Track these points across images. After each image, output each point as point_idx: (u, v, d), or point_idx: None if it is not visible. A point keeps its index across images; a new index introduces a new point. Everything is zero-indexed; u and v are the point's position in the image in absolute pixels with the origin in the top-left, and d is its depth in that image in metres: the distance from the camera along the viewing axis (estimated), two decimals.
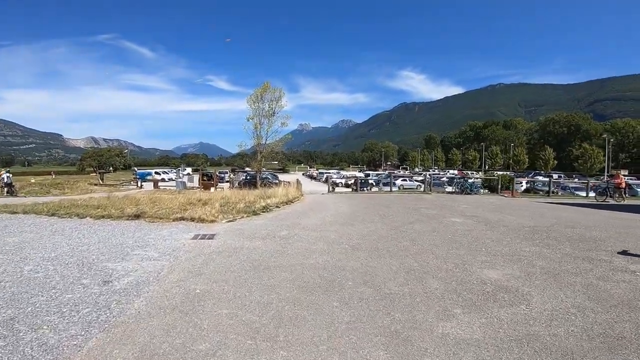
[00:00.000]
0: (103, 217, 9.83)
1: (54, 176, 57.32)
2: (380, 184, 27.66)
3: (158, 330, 3.24)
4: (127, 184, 38.87)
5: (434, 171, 70.94)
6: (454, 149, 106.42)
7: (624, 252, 6.25)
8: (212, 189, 27.29)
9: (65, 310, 3.67)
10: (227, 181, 39.83)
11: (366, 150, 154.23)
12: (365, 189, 23.16)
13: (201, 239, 7.43)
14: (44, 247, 6.39)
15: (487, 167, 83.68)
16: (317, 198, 17.66)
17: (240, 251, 6.15)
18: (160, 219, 9.74)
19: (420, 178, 41.06)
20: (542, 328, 3.29)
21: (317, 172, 70.14)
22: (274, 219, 9.77)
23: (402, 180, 34.43)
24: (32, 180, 39.23)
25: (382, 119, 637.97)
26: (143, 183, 36.34)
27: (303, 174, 76.72)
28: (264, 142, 29.15)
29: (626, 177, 29.69)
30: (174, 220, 9.40)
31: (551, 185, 22.01)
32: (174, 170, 52.28)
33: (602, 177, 47.07)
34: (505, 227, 8.80)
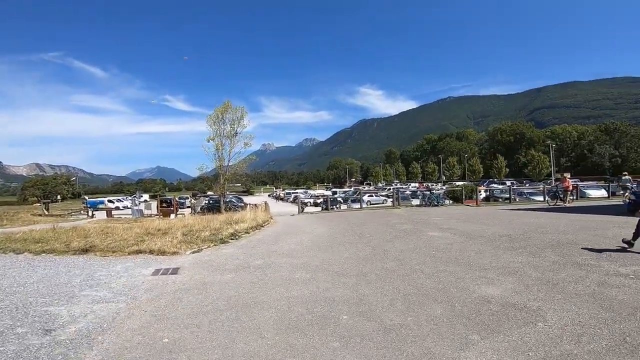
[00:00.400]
0: (45, 252, 8.64)
1: None
2: (349, 202, 27.50)
3: None
4: (76, 213, 35.34)
5: (396, 185, 72.87)
6: (414, 162, 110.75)
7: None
8: (172, 216, 25.54)
9: None
10: (189, 207, 37.76)
11: (331, 168, 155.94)
12: (334, 207, 22.81)
13: (163, 274, 6.51)
14: None
15: (444, 178, 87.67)
16: (288, 220, 16.96)
17: (211, 287, 5.35)
18: (114, 252, 8.63)
19: (384, 193, 41.85)
20: (573, 346, 3.01)
21: (284, 192, 69.20)
22: (244, 247, 8.96)
23: (368, 196, 34.63)
24: None
25: (344, 136, 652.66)
26: (95, 212, 33.33)
27: (269, 195, 75.35)
28: (226, 164, 27.94)
29: (571, 180, 32.10)
30: (129, 254, 8.35)
31: (512, 192, 23.11)
32: (129, 198, 48.84)
33: (549, 181, 50.95)
34: (483, 238, 8.74)
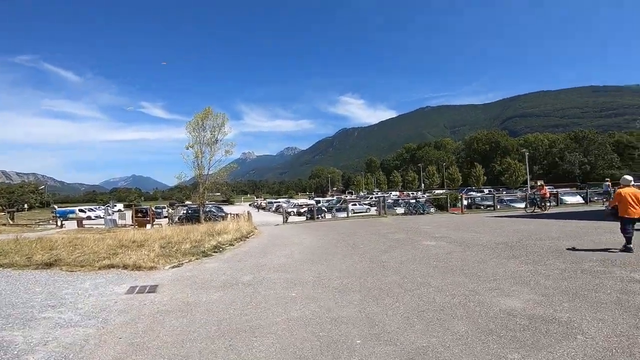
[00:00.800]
0: (2, 265, 7.76)
1: None
2: (334, 211, 27.05)
3: None
4: (44, 223, 32.97)
5: (377, 194, 73.27)
6: (395, 171, 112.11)
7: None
8: (149, 227, 24.21)
9: None
10: (166, 217, 36.11)
11: (313, 177, 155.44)
12: (320, 216, 22.29)
13: (139, 292, 5.79)
14: None
15: (424, 186, 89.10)
16: (274, 230, 16.28)
17: (197, 308, 4.71)
18: (82, 266, 7.79)
19: (367, 201, 41.75)
20: (628, 359, 2.71)
21: (265, 202, 68.01)
22: (230, 261, 8.28)
23: (352, 205, 34.34)
24: None
25: (325, 145, 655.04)
26: (64, 222, 31.27)
27: (250, 205, 73.85)
28: (206, 172, 26.90)
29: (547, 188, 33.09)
30: (100, 269, 7.54)
31: (495, 200, 23.42)
32: (102, 207, 46.39)
33: (525, 189, 52.58)
34: (480, 246, 8.48)
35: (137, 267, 7.59)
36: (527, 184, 56.82)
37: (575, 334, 3.29)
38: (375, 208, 29.81)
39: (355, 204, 36.32)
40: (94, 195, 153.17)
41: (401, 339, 3.41)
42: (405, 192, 73.46)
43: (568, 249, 7.54)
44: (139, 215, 28.33)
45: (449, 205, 23.41)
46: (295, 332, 3.74)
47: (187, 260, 8.40)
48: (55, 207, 49.33)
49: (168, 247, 10.25)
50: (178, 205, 50.23)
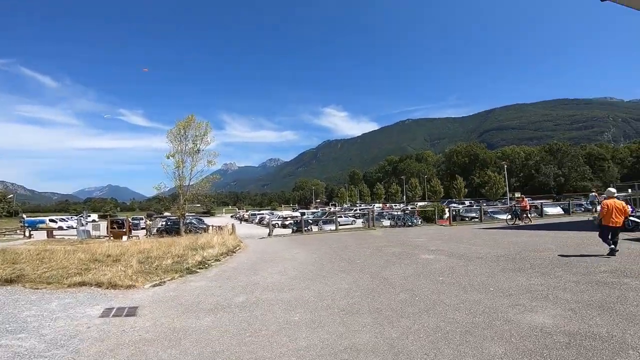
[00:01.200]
0: None
1: None
2: (320, 223, 26.51)
3: None
4: (10, 233, 30.68)
5: (360, 206, 73.28)
6: (378, 183, 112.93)
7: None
8: (125, 239, 22.87)
9: None
10: (143, 228, 34.47)
11: (297, 189, 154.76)
12: (306, 229, 21.68)
13: (116, 315, 5.11)
14: None
15: (406, 198, 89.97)
16: (260, 244, 15.57)
17: (186, 337, 4.07)
18: (49, 283, 6.99)
19: (351, 213, 41.49)
20: None
21: (248, 213, 66.64)
22: (218, 279, 7.57)
23: (337, 217, 33.90)
24: None
25: (309, 157, 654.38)
26: (33, 232, 29.26)
27: (232, 216, 72.21)
28: (187, 183, 25.87)
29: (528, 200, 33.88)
30: (70, 286, 6.78)
31: (482, 212, 23.59)
32: (75, 217, 43.90)
33: (504, 201, 53.84)
34: (481, 260, 8.20)
35: (113, 285, 6.84)
36: (506, 196, 58.26)
37: (625, 349, 3.06)
38: (362, 220, 29.53)
39: (340, 216, 35.89)
40: (67, 205, 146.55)
41: None
42: (388, 205, 73.80)
43: (569, 259, 7.43)
44: (115, 226, 26.84)
45: (436, 217, 23.37)
46: None
47: (169, 278, 7.66)
48: (24, 216, 46.38)
49: (147, 262, 9.45)
50: (156, 217, 48.37)
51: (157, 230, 30.64)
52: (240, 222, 51.98)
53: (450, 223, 21.73)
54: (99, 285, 6.86)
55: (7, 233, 30.75)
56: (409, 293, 5.49)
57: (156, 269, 8.66)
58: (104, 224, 28.23)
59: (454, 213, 31.66)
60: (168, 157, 25.54)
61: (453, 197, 76.15)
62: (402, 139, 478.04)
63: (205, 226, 31.17)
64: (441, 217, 24.23)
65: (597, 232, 8.12)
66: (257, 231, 31.58)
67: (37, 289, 6.66)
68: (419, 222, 23.33)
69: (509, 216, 19.89)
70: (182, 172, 25.73)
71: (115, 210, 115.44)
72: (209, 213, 76.63)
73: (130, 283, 7.07)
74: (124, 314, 5.19)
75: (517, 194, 56.34)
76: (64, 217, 54.42)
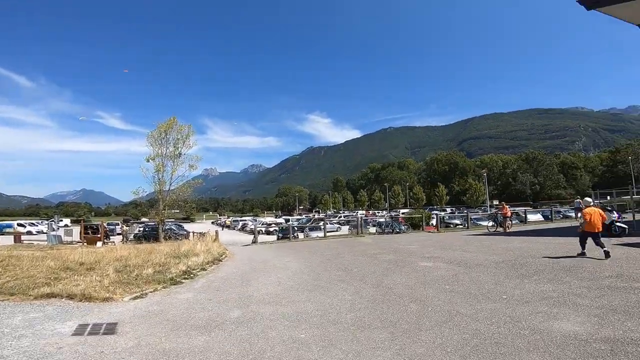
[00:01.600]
0: None
1: None
2: (307, 230, 25.96)
3: None
4: None
5: (343, 213, 73.20)
6: (361, 190, 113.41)
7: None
8: (99, 244, 21.56)
9: None
10: (119, 234, 32.87)
11: (280, 195, 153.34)
12: (293, 236, 21.11)
13: (92, 333, 4.48)
14: None
15: (389, 206, 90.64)
16: (247, 252, 14.88)
17: None
18: (13, 295, 6.23)
19: (336, 220, 41.19)
20: None
21: (230, 220, 65.11)
22: (207, 290, 6.93)
23: (323, 224, 33.50)
24: None
25: (292, 163, 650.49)
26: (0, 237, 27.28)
27: (213, 223, 70.42)
28: (167, 188, 24.80)
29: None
30: (37, 298, 6.04)
31: (468, 219, 23.78)
32: (46, 222, 41.40)
33: (483, 208, 54.98)
34: (482, 267, 7.96)
35: (87, 298, 6.13)
36: (486, 203, 59.56)
37: None
38: (348, 227, 29.21)
39: (326, 223, 35.50)
40: (38, 209, 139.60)
41: None
42: (371, 212, 73.97)
43: (571, 265, 7.36)
44: (89, 231, 25.32)
45: (424, 224, 23.38)
46: None
47: (151, 290, 6.98)
48: None
49: (125, 271, 8.68)
50: (133, 222, 46.39)
51: (134, 237, 29.26)
52: (222, 229, 50.62)
53: (438, 230, 21.72)
54: (70, 297, 6.13)
55: None
56: (420, 304, 5.11)
57: (136, 278, 7.93)
58: (77, 229, 26.65)
59: (437, 220, 31.99)
60: (148, 160, 24.50)
61: (435, 204, 77.29)
62: (384, 146, 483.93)
63: (185, 232, 30.06)
64: (428, 224, 24.25)
65: (580, 240, 8.55)
66: (240, 238, 30.69)
67: None
68: (406, 229, 23.25)
69: (491, 223, 20.02)
70: (163, 176, 24.72)
71: (90, 215, 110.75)
72: (188, 219, 74.45)
73: (107, 295, 6.36)
74: (102, 331, 4.55)
75: (495, 202, 57.82)
76: (33, 221, 51.45)
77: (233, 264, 10.78)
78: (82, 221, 34.76)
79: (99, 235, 24.39)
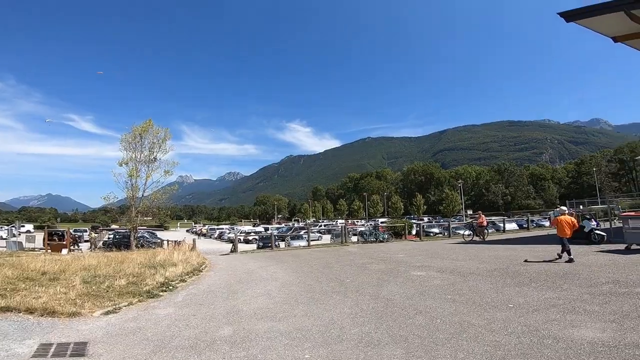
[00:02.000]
0: None
1: None
2: (288, 239, 25.32)
3: None
4: None
5: (322, 221, 72.86)
6: (341, 199, 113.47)
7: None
8: (65, 252, 20.00)
9: None
10: (87, 241, 30.81)
11: (259, 204, 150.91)
12: (276, 245, 20.46)
13: (57, 355, 3.93)
14: None
15: (367, 215, 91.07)
16: (227, 261, 14.15)
17: None
18: None
19: (316, 229, 40.76)
20: None
21: (206, 228, 63.11)
22: (190, 304, 6.29)
23: (304, 233, 33.02)
24: None
25: (271, 172, 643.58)
26: None
27: (188, 231, 67.98)
28: (140, 194, 23.48)
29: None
30: None
31: (450, 228, 24.05)
32: (6, 227, 38.20)
33: (458, 217, 56.29)
34: (475, 275, 7.83)
35: (50, 312, 5.42)
36: (461, 212, 61.04)
37: None
38: (331, 236, 28.84)
39: (307, 232, 34.99)
40: None
41: None
42: (351, 221, 73.97)
43: (564, 272, 7.36)
44: (55, 238, 23.46)
45: (406, 232, 23.41)
46: None
47: (126, 304, 6.28)
48: None
49: (95, 282, 7.91)
50: (103, 229, 43.79)
51: (103, 244, 27.49)
52: (199, 237, 48.86)
53: (420, 238, 21.76)
54: (30, 311, 5.38)
55: None
56: (425, 315, 4.79)
57: (107, 291, 7.20)
58: (40, 236, 24.67)
59: (417, 229, 32.26)
60: (120, 165, 23.09)
61: (412, 213, 78.37)
62: (362, 156, 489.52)
63: (159, 240, 28.65)
64: (410, 233, 24.30)
65: (561, 245, 9.07)
66: (217, 246, 29.62)
67: None
68: (388, 238, 23.19)
69: (467, 232, 20.26)
70: (136, 181, 23.40)
71: (55, 221, 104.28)
72: (162, 227, 71.50)
73: (74, 309, 5.65)
74: (69, 352, 3.93)
75: (470, 212, 59.33)
76: None
77: (215, 274, 10.08)
78: (46, 227, 32.37)
79: (64, 242, 22.65)
